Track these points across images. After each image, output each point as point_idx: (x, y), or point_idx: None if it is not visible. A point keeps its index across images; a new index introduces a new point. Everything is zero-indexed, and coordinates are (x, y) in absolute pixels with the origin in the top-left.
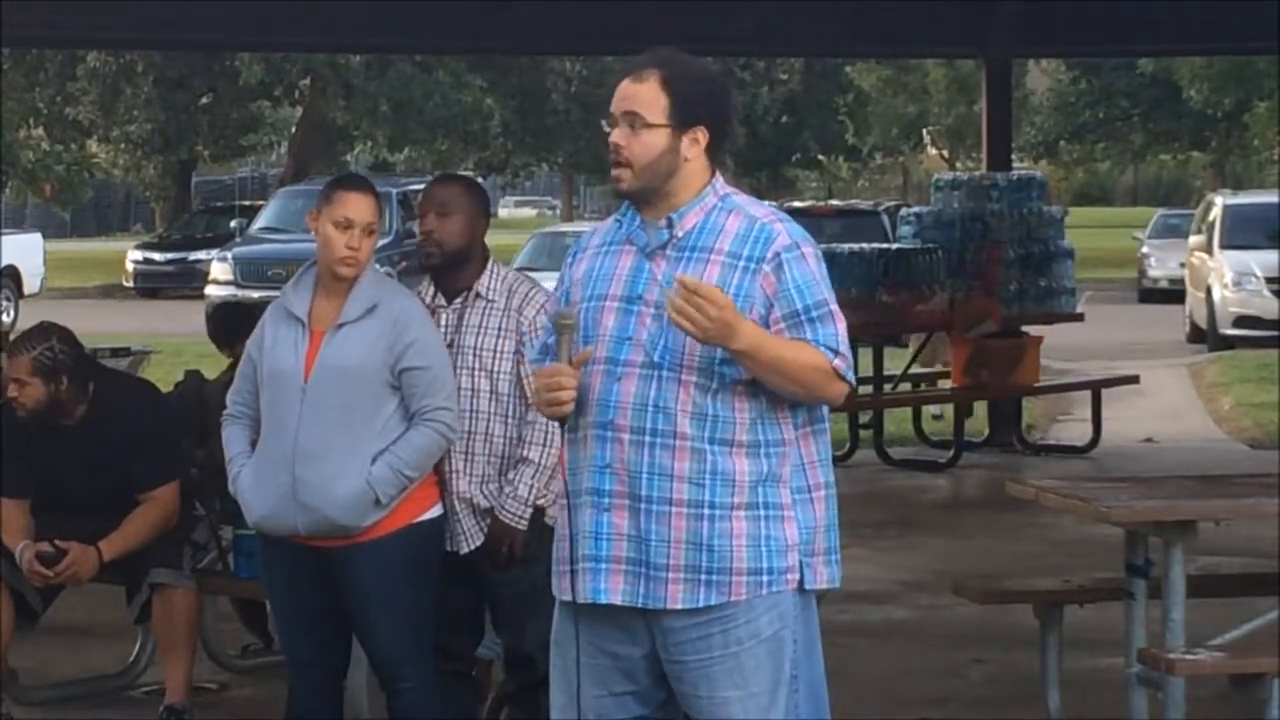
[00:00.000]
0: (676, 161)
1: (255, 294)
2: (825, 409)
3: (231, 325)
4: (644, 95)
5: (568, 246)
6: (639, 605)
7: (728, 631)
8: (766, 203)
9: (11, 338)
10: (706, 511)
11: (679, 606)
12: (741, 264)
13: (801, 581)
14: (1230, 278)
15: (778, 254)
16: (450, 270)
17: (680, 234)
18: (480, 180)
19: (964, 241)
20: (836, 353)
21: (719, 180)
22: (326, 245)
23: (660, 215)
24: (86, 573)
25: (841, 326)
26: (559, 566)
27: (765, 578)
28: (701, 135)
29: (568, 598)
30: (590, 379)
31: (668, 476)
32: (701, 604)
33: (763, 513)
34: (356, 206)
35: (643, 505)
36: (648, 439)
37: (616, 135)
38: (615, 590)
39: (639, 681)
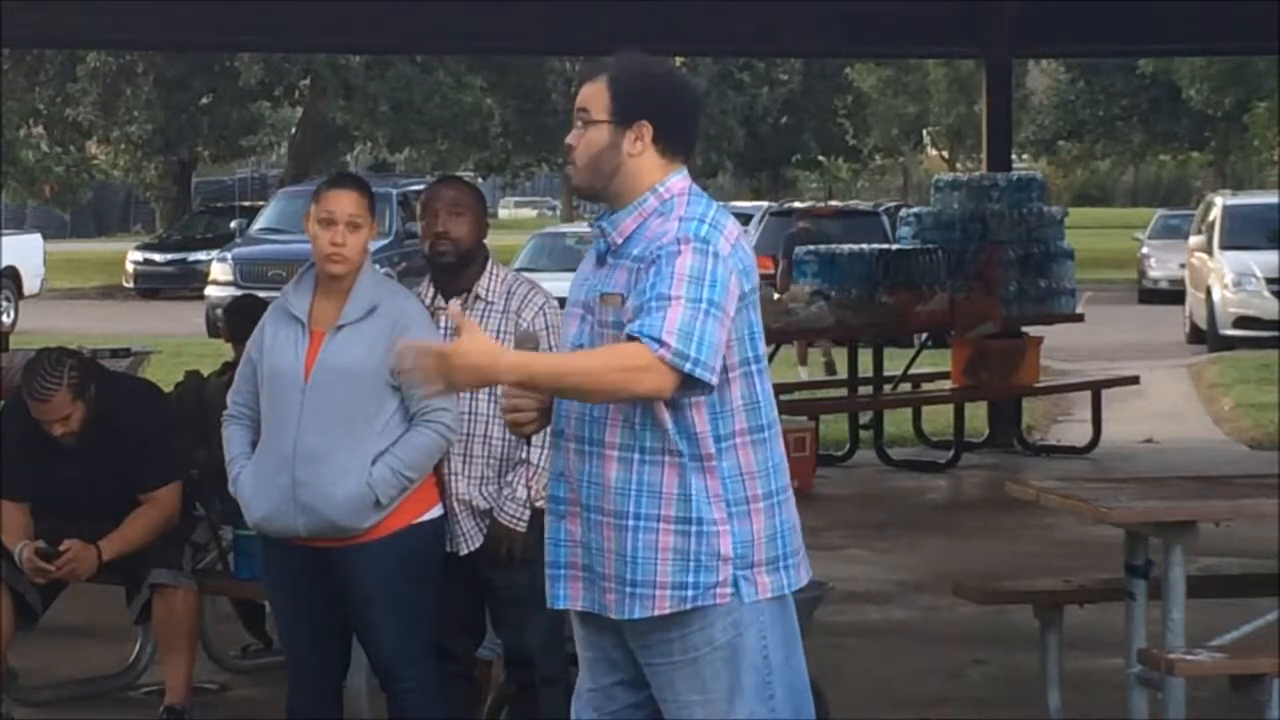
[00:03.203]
0: (618, 158)
1: (260, 294)
2: (766, 416)
3: (250, 319)
4: (591, 94)
5: (568, 247)
6: (594, 611)
7: (685, 638)
8: (763, 204)
9: (19, 378)
10: (630, 523)
11: (613, 615)
12: (639, 267)
13: (738, 594)
14: (1230, 278)
15: (657, 252)
16: (453, 271)
17: (620, 240)
18: (478, 180)
19: (964, 242)
20: (658, 341)
21: (673, 180)
22: (314, 243)
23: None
24: (85, 571)
25: (676, 315)
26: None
27: (690, 592)
28: (645, 131)
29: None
30: None
31: (599, 485)
32: (628, 616)
33: (693, 529)
34: (338, 202)
35: (586, 514)
36: (587, 447)
37: (571, 135)
38: (575, 597)
39: (626, 670)
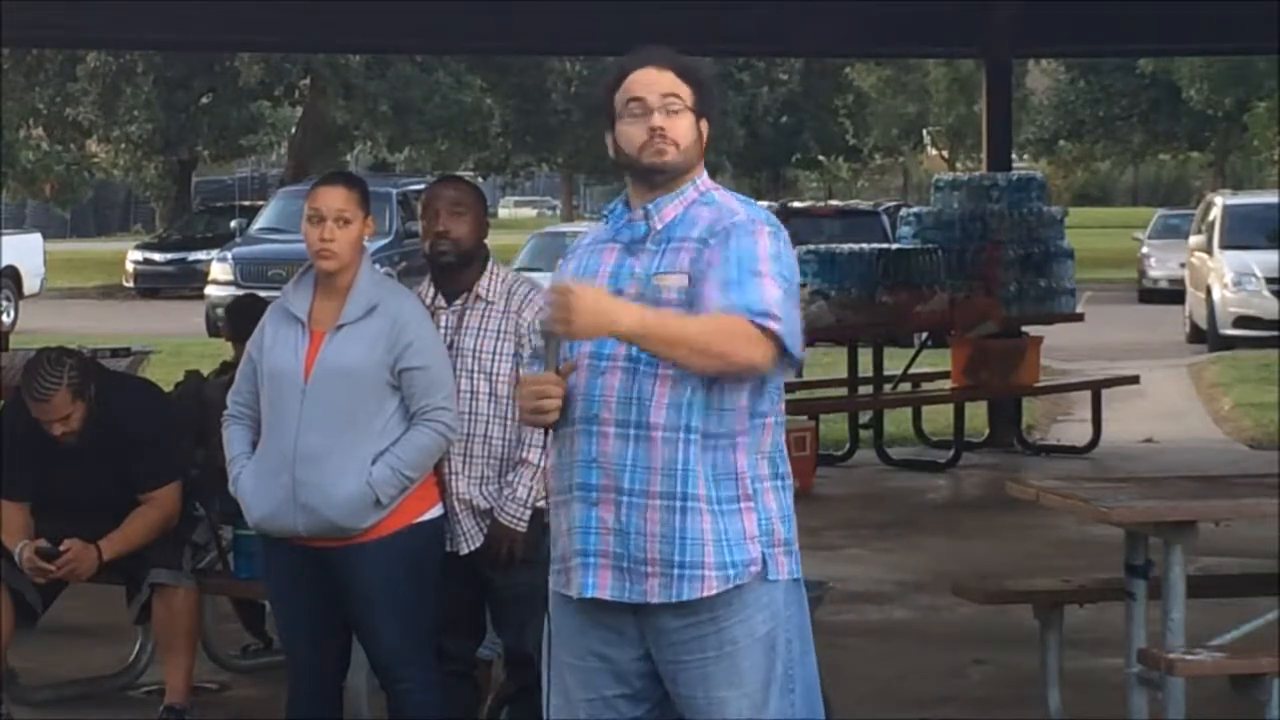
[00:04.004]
0: (699, 148)
1: (261, 294)
2: (781, 402)
3: (252, 319)
4: (669, 82)
5: (568, 247)
6: (625, 600)
7: (722, 631)
8: (763, 203)
9: (19, 378)
10: (679, 504)
11: (656, 600)
12: (704, 247)
13: (765, 572)
14: (1230, 278)
15: (726, 228)
16: (453, 271)
17: (660, 226)
18: (478, 180)
19: (964, 241)
20: (766, 314)
21: (704, 175)
22: (306, 241)
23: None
24: (85, 570)
25: (771, 293)
26: (558, 563)
27: (730, 571)
28: (705, 127)
29: (564, 590)
30: (577, 375)
31: (644, 469)
32: (675, 599)
33: (722, 507)
34: (325, 198)
35: (624, 498)
36: (631, 431)
37: (658, 118)
38: (604, 586)
39: (631, 684)
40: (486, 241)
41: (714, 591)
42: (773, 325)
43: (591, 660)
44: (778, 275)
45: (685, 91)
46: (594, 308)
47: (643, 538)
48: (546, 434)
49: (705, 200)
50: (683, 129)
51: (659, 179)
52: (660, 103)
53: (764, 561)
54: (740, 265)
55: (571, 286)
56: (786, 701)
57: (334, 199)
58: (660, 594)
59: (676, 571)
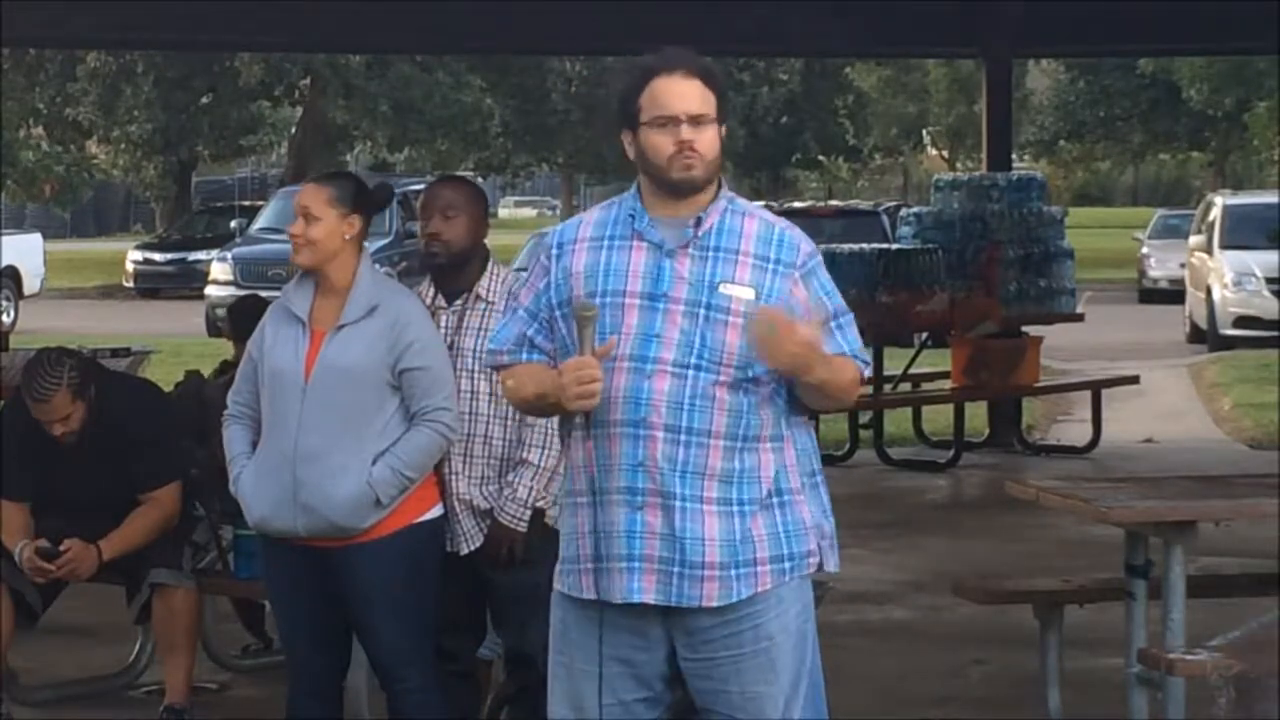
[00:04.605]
0: (721, 156)
1: (261, 294)
2: None
3: (254, 319)
4: (700, 93)
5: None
6: (671, 604)
7: (759, 626)
8: (763, 204)
9: (19, 378)
10: (736, 509)
11: (715, 604)
12: (771, 267)
13: (821, 564)
14: (1230, 278)
15: (805, 261)
16: (452, 272)
17: (700, 233)
18: (478, 180)
19: (964, 241)
20: (866, 362)
21: (722, 180)
22: None
23: (678, 213)
24: (85, 570)
25: (857, 329)
26: (580, 565)
27: (788, 564)
28: (724, 132)
29: (591, 595)
30: (613, 376)
31: (700, 474)
32: (734, 599)
33: (778, 500)
34: (298, 196)
35: (676, 503)
36: (683, 437)
37: (687, 131)
38: (648, 590)
39: (652, 687)
40: (486, 241)
41: (768, 586)
42: (867, 372)
43: (613, 665)
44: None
45: (711, 101)
46: (804, 355)
47: (700, 542)
48: (547, 434)
49: (735, 208)
50: (709, 142)
51: (685, 190)
52: (689, 116)
53: (821, 552)
54: (833, 299)
55: (800, 331)
56: (809, 695)
57: (303, 195)
58: (719, 597)
59: (735, 572)
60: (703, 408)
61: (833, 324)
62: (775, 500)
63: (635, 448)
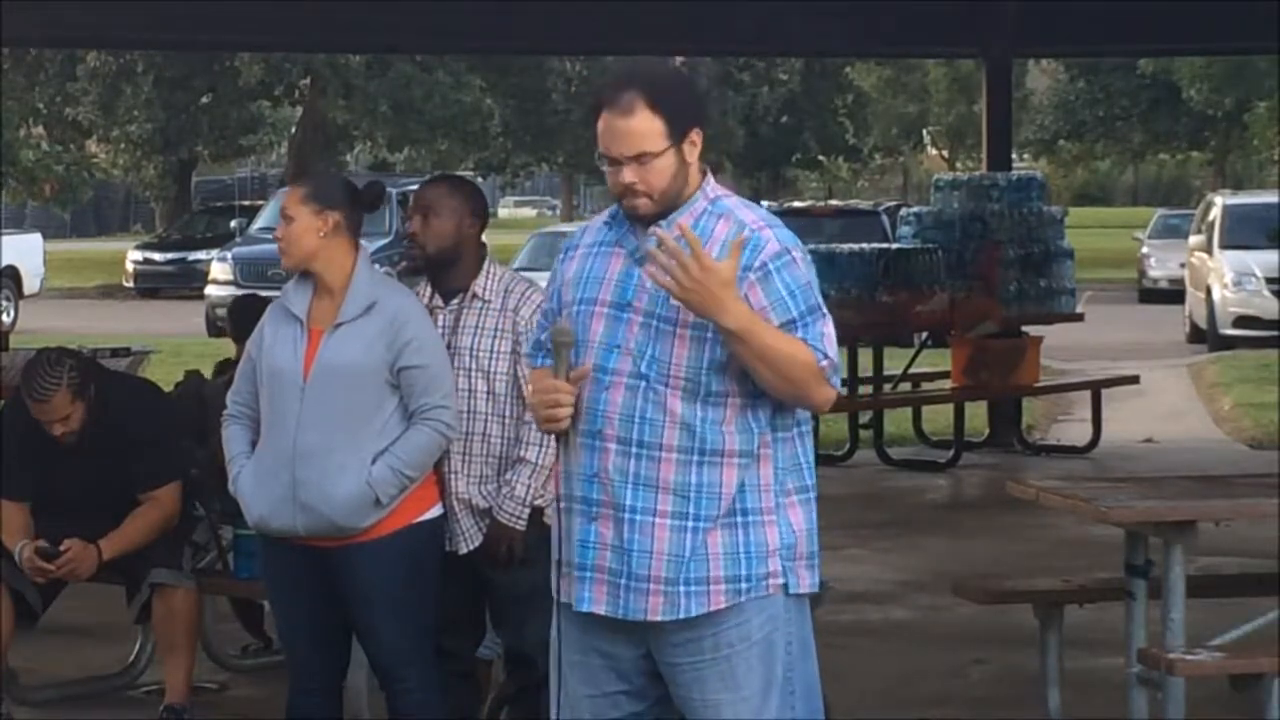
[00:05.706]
0: (686, 173)
1: (262, 294)
2: (806, 411)
3: (255, 319)
4: (639, 129)
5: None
6: (619, 616)
7: (718, 635)
8: (763, 204)
9: (19, 378)
10: (690, 524)
11: (660, 619)
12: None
13: (785, 586)
14: (1230, 278)
15: (765, 263)
16: (440, 271)
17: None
18: (478, 180)
19: (964, 241)
20: (825, 355)
21: (710, 181)
22: None
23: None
24: (85, 570)
25: (831, 331)
26: (557, 568)
27: (744, 584)
28: (697, 136)
29: (565, 599)
30: (582, 386)
31: (652, 488)
32: (681, 616)
33: (742, 520)
34: (285, 198)
35: (626, 515)
36: (634, 450)
37: (628, 174)
38: (599, 600)
39: (632, 681)
40: (485, 241)
41: (722, 605)
42: (826, 366)
43: (594, 657)
44: (824, 311)
45: (657, 129)
46: (715, 290)
47: (648, 555)
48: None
49: (716, 210)
50: (658, 174)
51: (659, 217)
52: (626, 158)
53: (784, 575)
54: (796, 300)
55: (707, 262)
56: (787, 705)
57: (284, 199)
58: (664, 612)
59: (684, 589)
60: (654, 420)
61: (798, 322)
62: (739, 519)
63: (591, 459)
